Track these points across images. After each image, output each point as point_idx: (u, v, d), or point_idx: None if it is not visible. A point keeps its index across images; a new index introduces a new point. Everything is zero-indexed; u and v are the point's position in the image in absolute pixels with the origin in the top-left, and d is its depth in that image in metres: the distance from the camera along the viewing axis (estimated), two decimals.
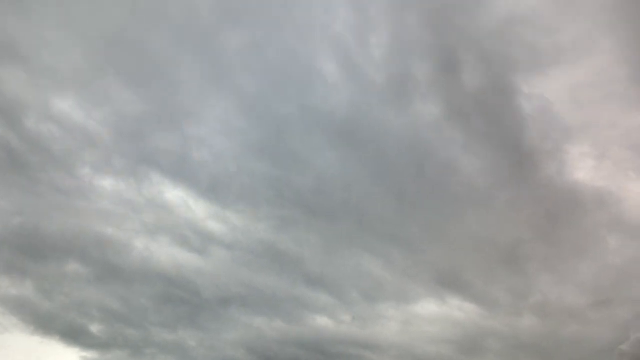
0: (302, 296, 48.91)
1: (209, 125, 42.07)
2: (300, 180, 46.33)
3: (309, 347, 47.36)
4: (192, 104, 41.19)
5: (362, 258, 50.17)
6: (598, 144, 55.54)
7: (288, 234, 47.42)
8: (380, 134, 47.62)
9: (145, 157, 41.45)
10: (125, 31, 36.86)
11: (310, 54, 43.26)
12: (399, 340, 50.76)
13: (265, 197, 45.84)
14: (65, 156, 38.73)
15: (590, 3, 47.43)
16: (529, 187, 54.65)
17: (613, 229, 57.46)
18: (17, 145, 36.57)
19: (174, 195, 44.31)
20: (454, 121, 49.10)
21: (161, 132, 40.55)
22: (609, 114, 54.73)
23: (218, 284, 46.27)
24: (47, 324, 41.91)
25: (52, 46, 35.65)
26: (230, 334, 46.15)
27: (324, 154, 46.69)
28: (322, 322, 48.80)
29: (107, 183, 41.51)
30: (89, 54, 36.93)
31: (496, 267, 54.57)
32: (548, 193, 55.50)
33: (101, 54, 37.15)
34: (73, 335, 42.58)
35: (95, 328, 43.40)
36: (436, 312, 51.53)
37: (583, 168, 56.36)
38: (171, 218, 44.30)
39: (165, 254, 44.80)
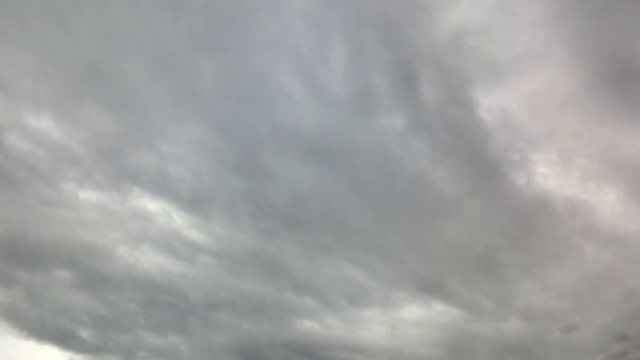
0: (289, 301, 50.41)
1: (185, 145, 44.11)
2: (276, 194, 47.96)
3: (299, 351, 48.93)
4: (168, 125, 43.30)
5: (344, 267, 51.86)
6: (563, 153, 56.90)
7: (270, 244, 49.09)
8: (349, 149, 49.38)
9: (125, 173, 42.95)
10: (102, 60, 39.59)
11: (277, 77, 45.56)
12: (388, 344, 52.18)
13: (245, 211, 47.40)
14: (48, 172, 40.67)
15: (542, 13, 50.30)
16: (499, 197, 56.27)
17: (588, 237, 59.22)
18: (2, 162, 39.26)
19: (157, 206, 45.87)
20: (418, 134, 50.69)
21: (138, 151, 42.55)
22: (571, 123, 56.61)
23: (206, 290, 47.76)
24: (39, 329, 43.38)
25: (32, 74, 38.54)
26: (219, 338, 47.59)
27: (297, 169, 48.26)
28: (310, 326, 50.36)
29: (90, 195, 43.01)
30: (68, 81, 39.78)
31: (476, 274, 56.23)
32: (519, 202, 57.25)
33: (79, 81, 39.91)
34: (65, 339, 44.04)
35: (85, 333, 44.86)
36: (422, 317, 53.32)
37: (551, 177, 58.10)
38: (155, 228, 45.89)
39: (151, 261, 46.41)
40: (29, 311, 42.82)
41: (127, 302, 45.77)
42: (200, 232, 47.25)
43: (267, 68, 45.14)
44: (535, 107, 55.26)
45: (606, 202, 59.86)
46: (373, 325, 51.73)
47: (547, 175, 57.31)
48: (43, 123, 39.53)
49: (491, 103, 52.43)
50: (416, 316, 53.27)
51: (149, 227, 45.33)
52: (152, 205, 45.63)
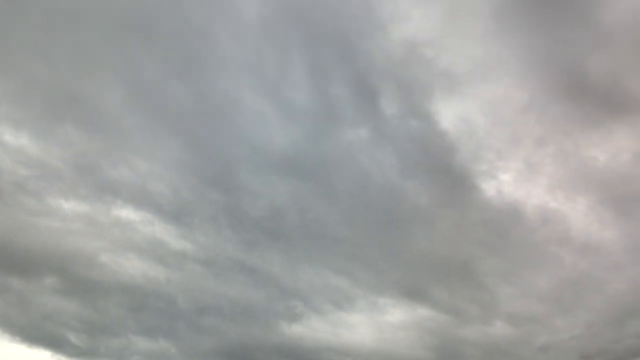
0: (277, 306, 52.10)
1: (161, 163, 45.95)
2: (254, 209, 49.92)
3: (288, 354, 50.59)
4: (144, 145, 45.54)
5: (327, 276, 53.66)
6: (530, 163, 59.01)
7: (253, 254, 50.96)
8: (320, 162, 51.19)
9: (107, 187, 45.16)
10: (79, 85, 42.40)
11: (244, 96, 48.35)
12: (377, 347, 53.60)
13: (226, 223, 49.34)
14: (33, 186, 42.81)
15: (491, 26, 53.06)
16: (470, 207, 58.10)
17: (563, 245, 61.03)
18: None
19: (140, 217, 47.51)
20: (384, 147, 53.10)
21: (117, 168, 44.87)
22: (533, 132, 58.22)
23: (193, 296, 49.26)
24: (30, 333, 44.91)
25: (12, 99, 41.58)
26: (209, 342, 49.04)
27: (273, 184, 50.28)
28: (298, 330, 51.79)
29: (75, 207, 44.84)
30: (47, 105, 42.55)
31: (457, 282, 57.80)
32: (490, 212, 59.17)
33: (58, 105, 42.63)
34: (56, 344, 45.48)
35: (76, 337, 46.15)
36: (408, 321, 54.98)
37: (520, 186, 60.21)
38: (140, 236, 47.51)
39: (136, 267, 47.86)
40: (21, 316, 44.55)
41: (116, 307, 47.30)
42: (185, 241, 49.00)
43: (234, 88, 47.89)
44: (497, 117, 57.31)
45: (577, 210, 61.82)
46: (360, 329, 53.30)
47: (516, 184, 59.35)
48: (22, 141, 42.29)
49: (452, 114, 54.75)
50: (402, 320, 54.85)
51: (133, 236, 46.95)
52: (135, 215, 47.36)
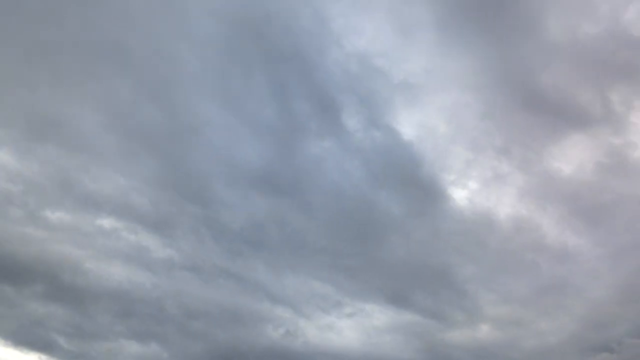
0: (265, 311, 53.38)
1: (141, 179, 47.77)
2: (233, 222, 52.19)
3: (279, 357, 51.65)
4: (121, 162, 48.25)
5: (312, 284, 55.23)
6: (498, 172, 61.31)
7: (237, 262, 52.52)
8: (293, 177, 53.76)
9: (89, 200, 47.53)
10: (60, 108, 45.72)
11: (218, 117, 51.18)
12: (365, 350, 54.57)
13: (208, 235, 51.25)
14: (19, 200, 44.97)
15: (441, 37, 56.21)
16: (442, 216, 60.31)
17: (539, 252, 62.82)
18: None
19: (124, 226, 49.26)
20: (351, 159, 55.88)
21: (99, 182, 46.87)
22: (497, 141, 61.03)
23: (182, 301, 50.48)
24: (21, 338, 45.97)
25: None
26: (199, 346, 50.04)
27: (250, 199, 52.83)
28: (286, 334, 53.06)
29: (61, 217, 46.94)
30: (30, 128, 45.56)
31: (438, 288, 59.19)
32: (463, 220, 61.29)
33: (38, 126, 45.55)
34: (47, 348, 46.46)
35: (67, 342, 47.20)
36: (396, 326, 56.28)
37: (490, 195, 62.44)
38: (126, 244, 49.25)
39: (124, 275, 49.33)
40: (11, 322, 45.74)
41: (105, 312, 48.54)
42: (170, 249, 50.75)
43: (204, 108, 50.80)
44: (458, 126, 60.39)
45: (549, 219, 63.92)
46: (348, 333, 54.44)
47: (485, 193, 61.58)
48: (6, 159, 44.92)
49: (413, 124, 58.00)
50: (389, 325, 56.10)
51: (117, 244, 48.90)
52: (118, 224, 49.26)
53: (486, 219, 60.63)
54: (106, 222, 48.38)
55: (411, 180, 58.08)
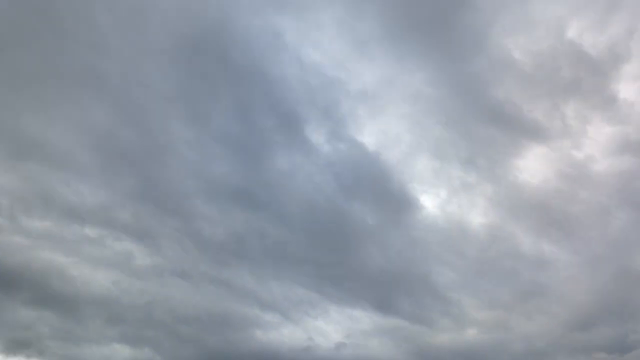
0: (253, 316, 54.59)
1: (122, 194, 50.81)
2: (215, 234, 54.28)
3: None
4: (102, 179, 50.42)
5: (297, 291, 56.66)
6: (466, 182, 64.30)
7: (223, 271, 54.10)
8: (268, 191, 56.24)
9: (72, 211, 49.46)
10: (43, 131, 48.81)
11: (188, 135, 53.92)
12: (355, 352, 55.29)
13: (192, 245, 53.11)
14: (6, 212, 47.28)
15: (394, 46, 59.92)
16: (415, 225, 62.32)
17: (517, 260, 64.61)
18: None
19: (108, 236, 51.04)
20: (319, 172, 58.37)
21: (81, 196, 48.53)
22: (462, 152, 64.32)
23: (172, 307, 51.65)
24: (12, 343, 46.82)
25: None
26: (190, 350, 50.73)
27: (229, 213, 55.10)
28: (275, 338, 54.04)
29: (47, 227, 48.80)
30: (13, 147, 48.16)
31: (420, 295, 60.44)
32: (436, 229, 63.26)
33: (23, 147, 48.24)
34: (38, 353, 47.23)
35: (58, 346, 47.90)
36: (383, 329, 57.54)
37: (462, 205, 64.73)
38: (110, 252, 50.97)
39: (111, 281, 50.75)
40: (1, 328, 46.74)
41: (96, 318, 49.58)
42: (155, 257, 52.37)
43: (175, 127, 53.48)
44: (423, 137, 63.68)
45: (522, 227, 66.05)
46: (335, 336, 55.50)
47: (457, 202, 64.36)
48: None
49: (376, 136, 61.36)
50: (376, 329, 57.19)
51: (103, 251, 50.59)
52: (103, 233, 50.97)
53: (460, 228, 62.97)
54: (92, 233, 50.12)
55: (382, 190, 60.62)
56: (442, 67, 61.32)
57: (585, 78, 63.03)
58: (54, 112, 49.94)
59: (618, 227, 64.05)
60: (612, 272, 63.69)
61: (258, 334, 53.38)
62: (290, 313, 55.26)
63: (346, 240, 58.63)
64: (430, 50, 60.59)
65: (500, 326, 60.73)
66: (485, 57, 60.97)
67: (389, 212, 60.57)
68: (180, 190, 53.36)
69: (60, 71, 50.15)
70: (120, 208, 50.72)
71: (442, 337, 58.48)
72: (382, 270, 58.83)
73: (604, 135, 64.50)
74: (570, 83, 63.14)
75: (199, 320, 52.18)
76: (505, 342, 59.57)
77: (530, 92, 63.80)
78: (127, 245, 51.27)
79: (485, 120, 63.81)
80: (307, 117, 58.11)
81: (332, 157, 58.43)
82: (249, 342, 52.82)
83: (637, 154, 64.47)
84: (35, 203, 47.63)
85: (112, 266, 50.62)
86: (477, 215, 63.62)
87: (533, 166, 65.88)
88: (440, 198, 62.85)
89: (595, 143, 64.52)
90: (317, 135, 58.42)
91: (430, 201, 62.31)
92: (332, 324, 55.90)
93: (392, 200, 60.27)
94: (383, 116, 61.51)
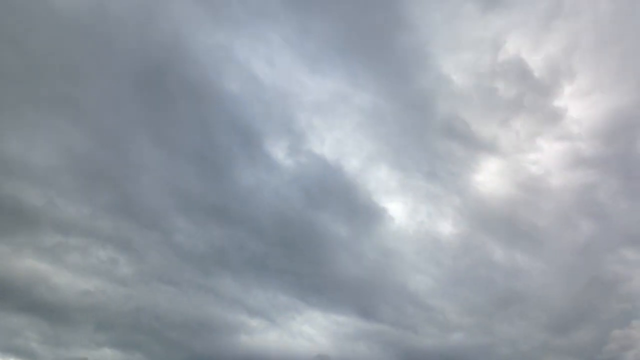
0: (239, 322, 55.29)
1: (102, 209, 52.63)
2: (196, 246, 55.59)
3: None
4: (78, 196, 52.25)
5: (281, 299, 57.90)
6: (430, 193, 66.46)
7: (207, 279, 55.15)
8: (241, 207, 57.73)
9: (55, 223, 51.07)
10: (23, 154, 50.62)
11: (159, 157, 55.90)
12: (341, 355, 56.05)
13: (173, 256, 54.50)
14: None
15: (344, 62, 62.20)
16: (388, 235, 63.85)
17: (491, 269, 66.46)
18: None
19: (90, 244, 52.35)
20: (285, 186, 59.71)
21: (59, 211, 50.88)
22: (424, 167, 66.47)
23: (157, 313, 52.08)
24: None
25: None
26: (178, 355, 51.32)
27: (206, 228, 56.64)
28: (262, 343, 54.70)
29: (30, 238, 50.44)
30: None
31: (400, 301, 61.51)
32: (409, 239, 64.93)
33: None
34: (28, 355, 48.10)
35: (48, 351, 48.60)
36: (368, 334, 58.76)
37: (430, 215, 66.60)
38: (95, 259, 52.07)
39: (97, 287, 51.31)
40: None
41: (84, 324, 50.28)
42: (141, 265, 53.40)
43: (145, 147, 55.29)
44: (382, 149, 65.69)
45: (491, 237, 68.08)
46: (321, 340, 56.39)
47: (427, 213, 66.38)
48: None
49: (334, 148, 63.15)
50: (360, 333, 58.28)
51: (87, 259, 51.53)
52: (84, 242, 52.17)
53: (432, 237, 64.77)
54: (74, 241, 51.08)
55: (349, 201, 62.38)
56: (390, 83, 63.75)
57: (527, 95, 65.31)
58: (34, 136, 52.07)
59: (584, 237, 66.61)
60: (584, 280, 65.59)
61: (245, 339, 53.96)
62: (276, 319, 56.33)
63: (322, 252, 60.13)
64: (377, 66, 63.10)
65: (484, 331, 61.34)
66: (426, 75, 63.28)
67: (359, 222, 62.19)
68: (157, 205, 54.69)
69: (38, 99, 52.77)
70: (102, 221, 52.04)
71: (428, 341, 58.82)
72: (361, 279, 60.26)
73: (555, 151, 67.10)
74: (513, 100, 65.27)
75: (187, 326, 52.91)
76: (491, 346, 60.13)
77: (473, 109, 66.17)
78: (110, 253, 52.47)
79: (439, 135, 65.90)
80: (265, 132, 59.66)
81: (295, 171, 59.59)
82: (236, 346, 53.41)
83: (590, 168, 67.31)
84: (19, 217, 48.76)
85: (97, 274, 51.04)
86: (447, 225, 65.41)
87: (492, 179, 68.22)
88: (408, 208, 64.52)
89: (548, 158, 67.20)
90: (277, 150, 59.75)
91: (399, 211, 63.88)
92: (318, 329, 56.79)
93: (361, 210, 61.98)
94: (339, 128, 63.27)
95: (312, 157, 60.38)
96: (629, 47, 65.44)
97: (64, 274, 50.23)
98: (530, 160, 67.12)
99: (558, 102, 65.33)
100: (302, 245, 59.15)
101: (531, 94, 65.74)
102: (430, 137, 66.45)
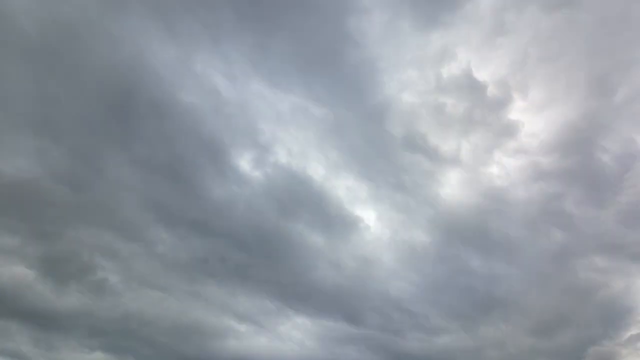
0: (228, 327, 55.64)
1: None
2: (179, 257, 56.01)
3: None
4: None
5: (268, 306, 58.29)
6: (400, 203, 66.85)
7: (193, 286, 55.65)
8: (218, 220, 57.87)
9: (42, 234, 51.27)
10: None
11: (133, 171, 55.71)
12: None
13: (158, 265, 54.69)
14: None
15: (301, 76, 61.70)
16: (364, 244, 64.13)
17: (468, 276, 67.35)
18: None
19: None
20: (256, 199, 59.71)
21: None
22: (390, 179, 66.69)
23: (147, 320, 52.44)
24: None
25: None
26: (168, 358, 52.11)
27: (187, 240, 56.76)
28: (250, 348, 55.15)
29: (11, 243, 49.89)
30: None
31: (388, 310, 62.19)
32: (385, 247, 65.33)
33: None
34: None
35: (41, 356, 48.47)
36: (356, 338, 59.35)
37: (404, 224, 67.13)
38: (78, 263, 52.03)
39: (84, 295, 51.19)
40: None
41: (74, 330, 50.41)
42: (126, 273, 53.71)
43: (119, 163, 55.28)
44: (347, 160, 65.24)
45: (467, 247, 69.08)
46: (309, 343, 56.82)
47: (400, 222, 66.53)
48: None
49: (299, 159, 62.77)
50: (348, 337, 58.91)
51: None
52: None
53: (409, 246, 65.11)
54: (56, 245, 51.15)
55: (322, 211, 62.60)
56: (346, 97, 63.77)
57: (478, 110, 65.88)
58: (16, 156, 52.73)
59: (556, 245, 67.45)
60: (560, 287, 67.14)
61: (234, 344, 54.37)
62: (264, 324, 56.73)
63: (302, 261, 60.49)
64: (332, 80, 63.17)
65: (470, 334, 62.10)
66: (377, 91, 63.63)
67: (335, 231, 62.57)
68: (137, 219, 55.12)
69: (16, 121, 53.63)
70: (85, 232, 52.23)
71: (415, 344, 59.05)
72: (343, 287, 60.75)
73: (514, 165, 67.56)
74: (464, 115, 65.70)
75: (177, 331, 53.26)
76: (479, 349, 60.60)
77: (427, 123, 65.93)
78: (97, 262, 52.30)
79: (400, 148, 65.95)
80: (230, 144, 59.75)
81: (264, 183, 59.88)
82: (226, 350, 53.89)
83: (553, 179, 68.16)
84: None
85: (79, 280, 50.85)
86: (421, 234, 65.60)
87: (459, 192, 68.08)
88: (382, 217, 64.87)
89: (509, 171, 67.70)
90: (243, 162, 59.92)
91: (373, 220, 64.18)
92: (307, 333, 57.32)
93: (336, 220, 62.44)
94: (303, 139, 63.01)
95: (279, 168, 60.81)
96: (573, 62, 66.44)
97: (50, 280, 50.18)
98: (493, 173, 67.61)
99: (512, 117, 66.10)
100: (282, 255, 59.72)
101: (482, 109, 66.27)
102: (392, 149, 66.35)
